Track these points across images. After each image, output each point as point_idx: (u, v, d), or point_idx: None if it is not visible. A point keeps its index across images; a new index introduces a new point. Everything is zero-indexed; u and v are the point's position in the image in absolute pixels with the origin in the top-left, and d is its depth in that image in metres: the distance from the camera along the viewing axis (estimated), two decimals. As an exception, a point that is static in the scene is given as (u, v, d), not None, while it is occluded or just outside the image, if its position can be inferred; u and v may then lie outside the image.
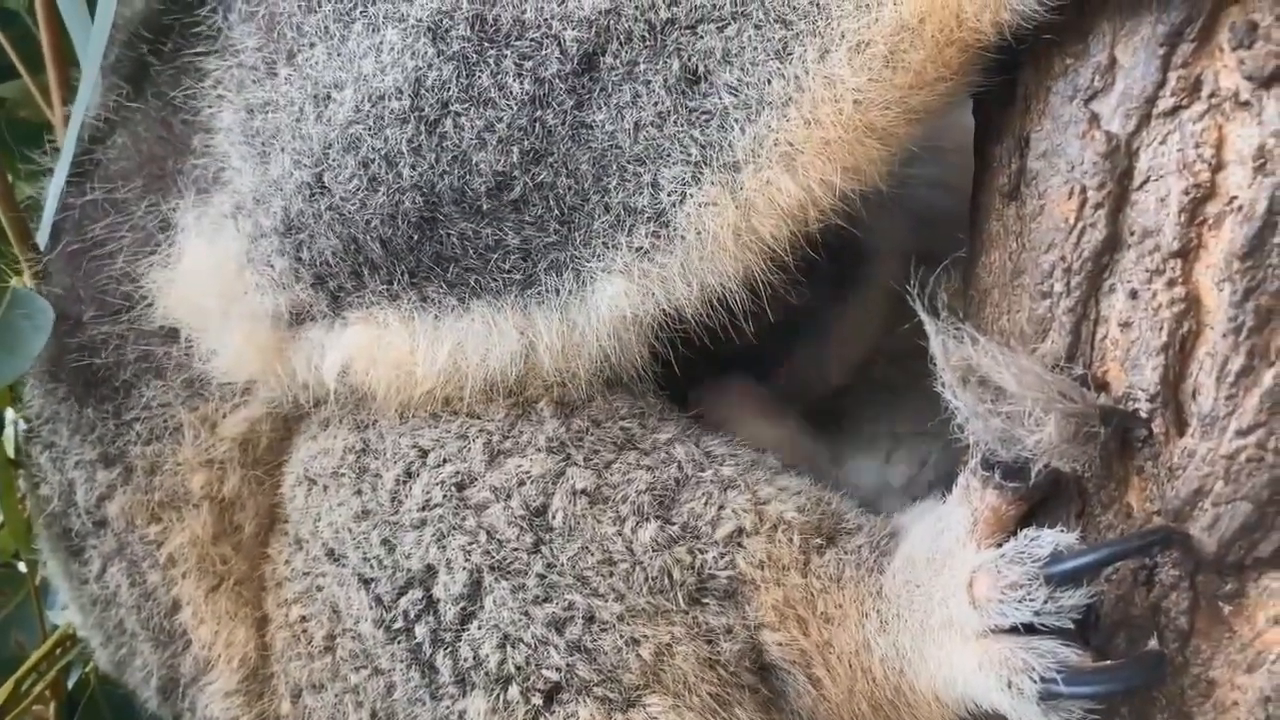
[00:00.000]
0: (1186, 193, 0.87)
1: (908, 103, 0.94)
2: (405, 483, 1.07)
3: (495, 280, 0.99)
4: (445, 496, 1.06)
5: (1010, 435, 0.88)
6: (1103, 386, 0.95)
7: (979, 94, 1.06)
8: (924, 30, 0.91)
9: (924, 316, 0.88)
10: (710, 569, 1.03)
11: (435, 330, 1.01)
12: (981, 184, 1.11)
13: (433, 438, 1.08)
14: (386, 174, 0.98)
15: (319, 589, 1.12)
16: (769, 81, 0.94)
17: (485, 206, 0.98)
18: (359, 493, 1.10)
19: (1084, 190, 0.94)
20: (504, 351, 1.00)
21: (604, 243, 0.97)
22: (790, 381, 1.28)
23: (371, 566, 1.08)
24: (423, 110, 0.97)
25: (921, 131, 0.98)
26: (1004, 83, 1.04)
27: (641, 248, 0.96)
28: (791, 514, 1.06)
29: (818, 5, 0.92)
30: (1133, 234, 0.93)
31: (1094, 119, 0.94)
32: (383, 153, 0.98)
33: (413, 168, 0.98)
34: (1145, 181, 0.92)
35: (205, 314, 1.10)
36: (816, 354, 1.29)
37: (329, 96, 1.02)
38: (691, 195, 0.95)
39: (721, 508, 1.05)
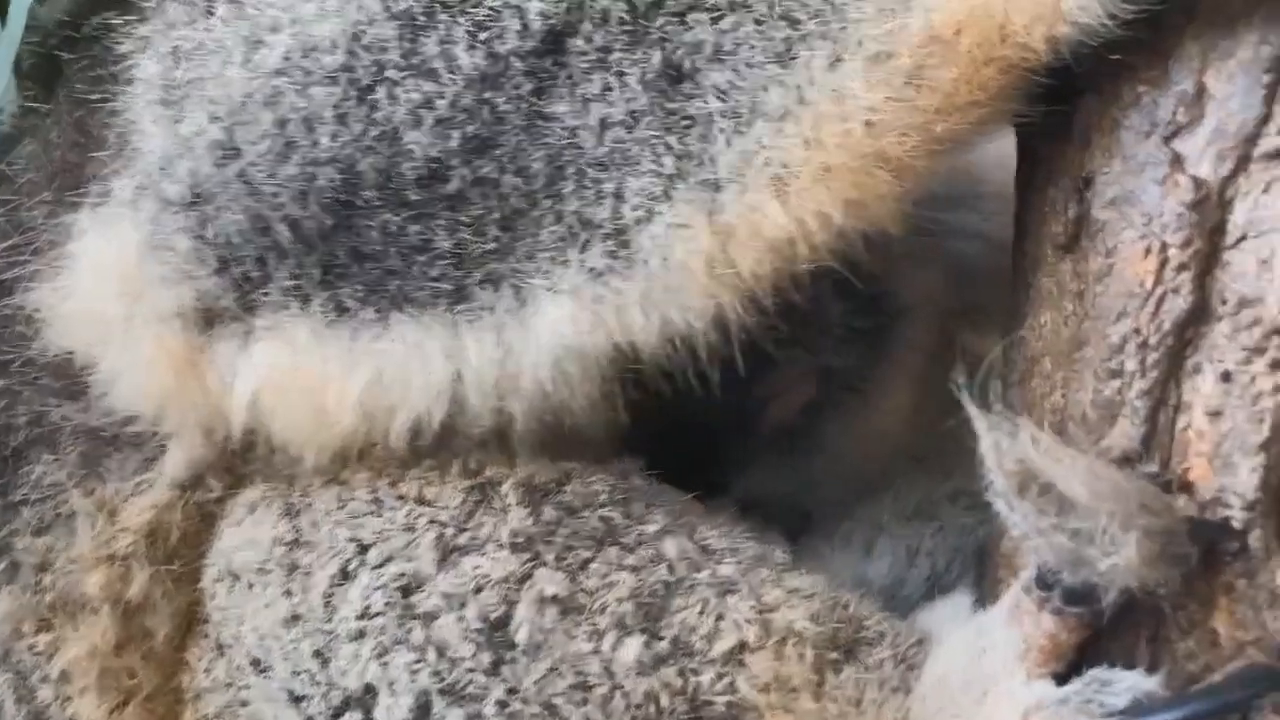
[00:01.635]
0: (1295, 254, 0.72)
1: (931, 130, 0.81)
2: (341, 585, 0.92)
3: (421, 289, 0.86)
4: (388, 603, 0.90)
5: (1079, 556, 0.71)
6: (1184, 488, 0.79)
7: (1023, 125, 0.89)
8: (959, 44, 0.79)
9: (971, 408, 0.71)
10: (706, 694, 0.87)
11: (350, 351, 0.88)
12: (1028, 231, 0.94)
13: (375, 529, 0.93)
14: (304, 139, 0.87)
15: (243, 704, 0.97)
16: (765, 89, 0.82)
17: (414, 197, 0.86)
18: (288, 594, 0.94)
19: (1165, 248, 0.78)
20: (428, 382, 0.87)
21: (552, 257, 0.85)
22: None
23: (302, 682, 0.93)
24: (355, 71, 0.86)
25: (945, 166, 0.86)
26: (1052, 113, 0.87)
27: (595, 268, 0.84)
28: (803, 623, 0.90)
29: (832, 4, 0.81)
30: (1225, 303, 0.77)
31: (1177, 161, 0.78)
32: (303, 114, 0.87)
33: (333, 137, 0.86)
34: (1242, 239, 0.77)
35: (104, 326, 0.94)
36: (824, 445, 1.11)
37: (262, 41, 0.90)
38: (660, 213, 0.83)
39: (720, 617, 0.89)
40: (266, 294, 0.91)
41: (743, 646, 0.88)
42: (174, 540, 0.99)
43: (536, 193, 0.85)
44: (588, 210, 0.85)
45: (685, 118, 0.83)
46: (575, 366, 0.87)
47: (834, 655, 0.90)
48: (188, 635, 1.01)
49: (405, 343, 0.87)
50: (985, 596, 1.00)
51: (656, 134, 0.83)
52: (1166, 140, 0.79)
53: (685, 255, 0.83)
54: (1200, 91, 0.78)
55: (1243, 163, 0.76)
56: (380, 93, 0.86)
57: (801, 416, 1.11)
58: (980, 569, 1.03)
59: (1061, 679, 0.83)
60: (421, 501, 0.92)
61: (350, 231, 0.87)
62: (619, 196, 0.84)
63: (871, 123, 0.80)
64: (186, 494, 0.99)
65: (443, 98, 0.85)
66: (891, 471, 1.10)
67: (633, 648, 0.88)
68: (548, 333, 0.86)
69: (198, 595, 1.00)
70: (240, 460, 0.98)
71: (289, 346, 0.91)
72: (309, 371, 0.90)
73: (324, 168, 0.87)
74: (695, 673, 0.88)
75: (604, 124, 0.84)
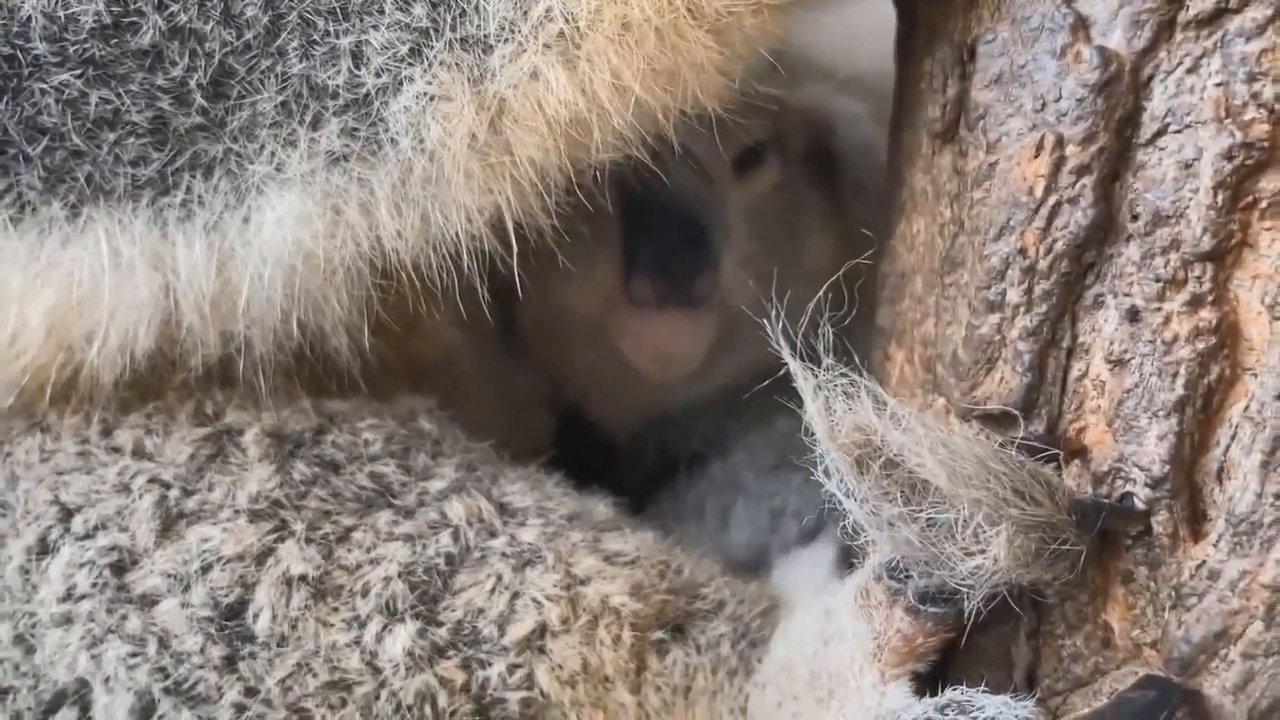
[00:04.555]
0: (1229, 155, 0.58)
1: None
2: (41, 558, 0.76)
3: (116, 176, 0.73)
4: (97, 583, 0.75)
5: (934, 555, 0.54)
6: (1076, 454, 0.62)
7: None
8: None
9: (792, 362, 0.53)
10: (495, 690, 0.74)
11: (34, 260, 0.74)
12: (904, 115, 0.75)
13: (81, 490, 0.77)
14: None
15: None
16: None
17: (96, 53, 0.72)
18: None
19: (1060, 143, 0.62)
20: (131, 298, 0.74)
21: (274, 134, 0.72)
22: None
23: (5, 671, 0.78)
24: None
25: (785, 29, 0.72)
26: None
27: (331, 151, 0.72)
28: (620, 598, 0.77)
29: None
30: (1136, 218, 0.62)
31: (1080, 25, 0.61)
32: None
33: None
34: (1160, 133, 0.61)
35: None
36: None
37: None
38: (411, 80, 0.71)
39: (516, 596, 0.76)
40: None
41: (543, 630, 0.76)
42: None
43: (251, 47, 0.72)
44: (317, 73, 0.71)
45: None
46: (314, 278, 0.73)
47: (658, 635, 0.78)
48: None
49: (100, 247, 0.73)
50: (854, 553, 0.84)
51: None
52: None
53: (445, 136, 0.70)
54: (1114, -67, 0.59)
55: (1165, 30, 0.60)
56: None
57: (777, 199, 0.95)
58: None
59: (921, 679, 0.67)
60: (140, 454, 0.77)
61: (20, 97, 0.73)
62: (357, 56, 0.71)
63: None
64: None
65: None
66: (754, 407, 0.92)
67: (403, 637, 0.74)
68: (274, 234, 0.72)
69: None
70: None
71: None
72: None
73: None
74: (483, 665, 0.75)
75: None
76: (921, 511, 0.56)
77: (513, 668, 0.74)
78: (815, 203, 0.98)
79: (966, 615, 0.61)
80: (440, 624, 0.74)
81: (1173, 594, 0.61)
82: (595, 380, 0.99)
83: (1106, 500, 0.59)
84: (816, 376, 0.57)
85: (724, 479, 0.96)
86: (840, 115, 0.96)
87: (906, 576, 0.63)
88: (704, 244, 0.91)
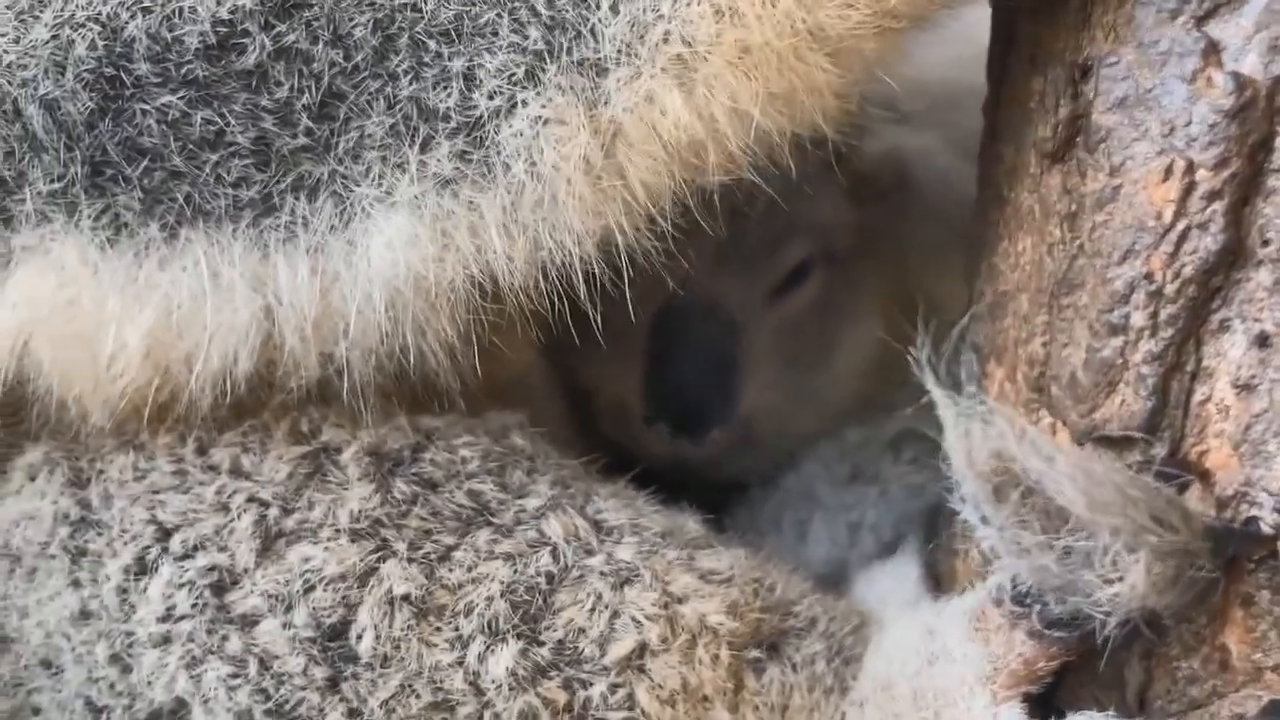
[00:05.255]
0: (1369, 183, 0.54)
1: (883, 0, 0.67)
2: (139, 578, 0.76)
3: (216, 198, 0.72)
4: (197, 603, 0.75)
5: (1071, 582, 0.53)
6: (1200, 476, 0.62)
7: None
8: None
9: (936, 391, 0.53)
10: (596, 711, 0.74)
11: (132, 282, 0.73)
12: (1003, 131, 0.75)
13: (179, 509, 0.76)
14: None
15: (35, 710, 0.82)
16: None
17: (200, 74, 0.71)
18: (76, 584, 0.77)
19: (1191, 168, 0.61)
20: (231, 321, 0.72)
21: (383, 158, 0.71)
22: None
23: (100, 690, 0.78)
24: None
25: (901, 52, 0.71)
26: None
27: (441, 175, 0.70)
28: (718, 617, 0.76)
29: None
30: (1267, 244, 0.61)
31: (1212, 51, 0.60)
32: None
33: None
34: None
35: None
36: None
37: None
38: (525, 103, 0.69)
39: (615, 615, 0.75)
40: (21, 201, 0.74)
41: (643, 650, 0.75)
42: None
43: (361, 70, 0.70)
44: (429, 96, 0.70)
45: None
46: (420, 301, 0.72)
47: (754, 654, 0.77)
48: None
49: (200, 269, 0.72)
50: (937, 566, 0.84)
51: None
52: (1199, 22, 0.62)
53: (559, 160, 0.69)
54: (1248, -44, 0.59)
55: None
56: None
57: (811, 317, 0.95)
58: (930, 529, 0.86)
59: (1033, 701, 0.67)
60: (238, 473, 0.76)
61: (121, 119, 0.72)
62: (470, 78, 0.69)
63: None
64: None
65: None
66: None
67: (505, 657, 0.74)
68: (381, 258, 0.71)
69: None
70: (14, 415, 0.78)
71: (56, 273, 0.74)
72: (82, 308, 0.73)
73: (82, 32, 0.71)
74: (584, 684, 0.74)
75: None
76: (1060, 539, 0.56)
77: (614, 687, 0.74)
78: (852, 303, 0.98)
79: (1097, 640, 0.61)
80: (542, 644, 0.74)
81: (1300, 619, 0.61)
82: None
83: (1239, 526, 0.59)
84: (957, 405, 0.56)
85: (799, 491, 0.96)
86: (913, 151, 0.96)
87: (1032, 601, 0.63)
88: (727, 387, 0.92)
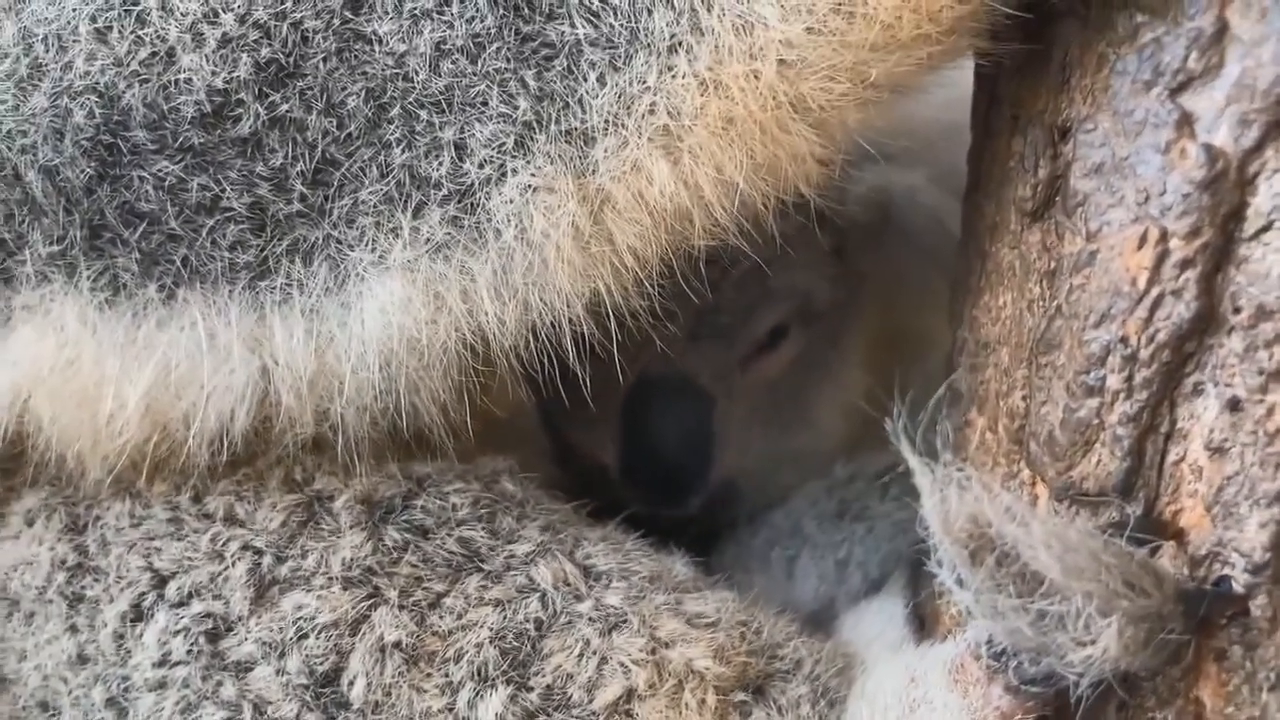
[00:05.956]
0: (1337, 255, 0.55)
1: (864, 73, 0.67)
2: (135, 624, 0.77)
3: (213, 260, 0.73)
4: (191, 650, 0.76)
5: (1045, 644, 0.55)
6: (1174, 536, 0.63)
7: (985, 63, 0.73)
8: None
9: (910, 457, 0.54)
10: None
11: (130, 343, 0.74)
12: (985, 185, 0.77)
13: (174, 557, 0.77)
14: (53, 62, 0.71)
15: None
16: (649, 10, 0.68)
17: (196, 141, 0.72)
18: (74, 629, 0.79)
19: (1165, 236, 0.62)
20: (228, 382, 0.73)
21: (376, 222, 0.71)
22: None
23: None
24: None
25: (883, 120, 0.72)
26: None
27: (433, 240, 0.71)
28: (704, 662, 0.77)
29: None
30: (1239, 311, 0.62)
31: (1186, 123, 0.61)
32: (54, 28, 0.71)
33: (90, 58, 0.71)
34: (1265, 229, 0.61)
35: None
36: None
37: None
38: (514, 171, 0.70)
39: (603, 661, 0.76)
40: (22, 262, 0.74)
41: (631, 695, 0.76)
42: None
43: (354, 138, 0.70)
44: (421, 164, 0.70)
45: (545, 45, 0.68)
46: (414, 361, 0.73)
47: (741, 697, 0.78)
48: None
49: (197, 330, 0.73)
50: (921, 605, 0.85)
51: (507, 65, 0.68)
52: (1173, 94, 0.62)
53: (547, 227, 0.70)
54: (1221, 30, 0.61)
55: (1273, 130, 0.59)
56: (150, 3, 0.70)
57: (788, 377, 0.96)
58: (917, 566, 0.87)
59: (1011, 751, 0.68)
60: (232, 521, 0.77)
61: (119, 184, 0.72)
62: (461, 147, 0.70)
63: (787, 61, 0.66)
64: None
65: (230, 9, 0.69)
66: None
67: (495, 703, 0.75)
68: (375, 320, 0.72)
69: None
70: (14, 464, 0.79)
71: (55, 334, 0.74)
72: (82, 367, 0.74)
73: (81, 99, 0.71)
74: None
75: (439, 49, 0.69)
76: (1034, 603, 0.58)
77: (602, 732, 0.75)
78: (832, 359, 0.99)
79: (1071, 699, 0.62)
80: (531, 689, 0.74)
81: (1272, 676, 0.62)
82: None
83: (1210, 588, 0.60)
84: (933, 471, 0.58)
85: (787, 528, 0.97)
86: (899, 189, 0.97)
87: (1008, 658, 0.64)
88: (701, 457, 0.93)
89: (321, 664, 0.74)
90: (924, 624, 0.85)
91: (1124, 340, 0.63)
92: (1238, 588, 0.61)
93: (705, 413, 0.93)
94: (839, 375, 0.97)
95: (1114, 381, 0.64)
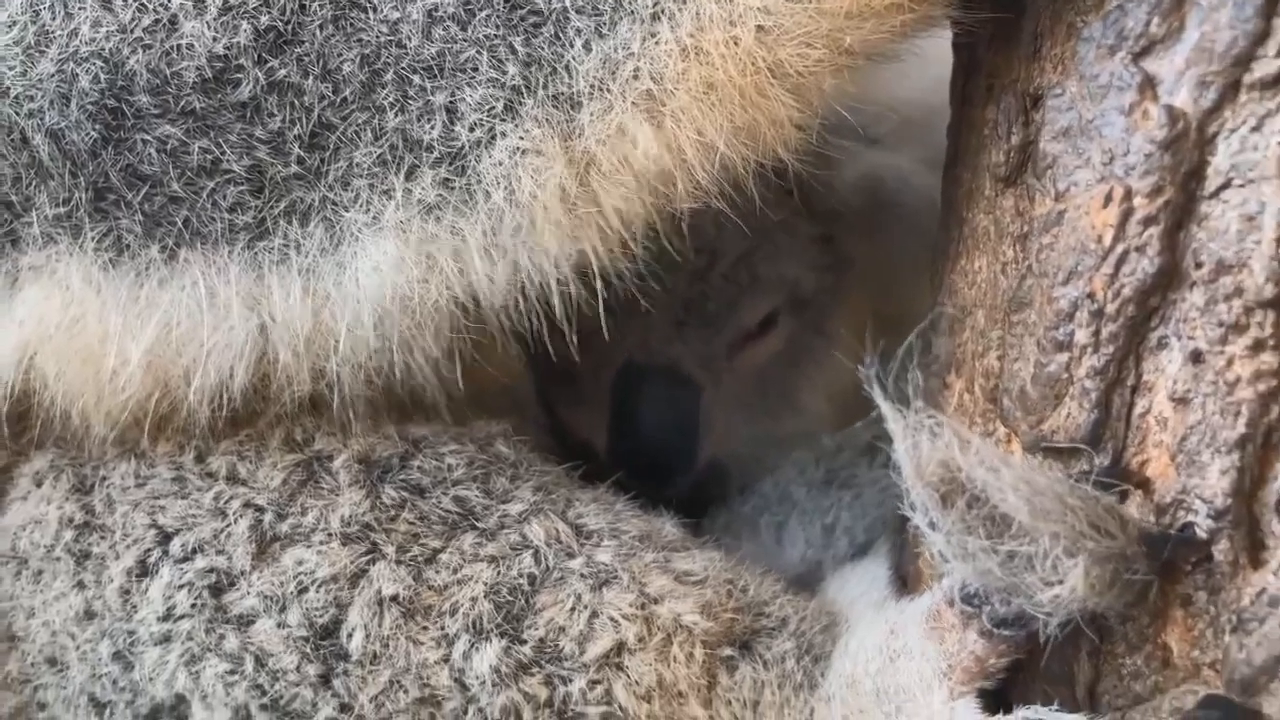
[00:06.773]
0: (1292, 210, 0.58)
1: (839, 39, 0.69)
2: (140, 579, 0.79)
3: (213, 221, 0.75)
4: (195, 604, 0.78)
5: (1014, 584, 0.57)
6: (1140, 485, 0.65)
7: (961, 33, 0.75)
8: None
9: (884, 404, 0.57)
10: (576, 705, 0.77)
11: (133, 300, 0.76)
12: (963, 155, 0.79)
13: (178, 514, 0.79)
14: (59, 28, 0.73)
15: (41, 706, 0.85)
16: None
17: (197, 105, 0.74)
18: (80, 585, 0.81)
19: (1129, 195, 0.64)
20: (228, 338, 0.75)
21: (370, 185, 0.73)
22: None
23: (104, 686, 0.81)
24: None
25: (858, 86, 0.73)
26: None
27: (426, 201, 0.73)
28: (692, 617, 0.79)
29: None
30: (1200, 267, 0.64)
31: (1148, 85, 0.64)
32: None
33: (95, 25, 0.73)
34: (1224, 187, 0.63)
35: None
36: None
37: None
38: (504, 135, 0.72)
39: (594, 615, 0.78)
40: (29, 224, 0.76)
41: (620, 648, 0.78)
42: None
43: (349, 102, 0.72)
44: (413, 128, 0.72)
45: (532, 13, 0.70)
46: (407, 320, 0.75)
47: (728, 652, 0.80)
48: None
49: (198, 289, 0.75)
50: (904, 566, 0.87)
51: (497, 32, 0.70)
52: (1135, 58, 0.64)
53: (536, 188, 0.72)
54: (1181, -2, 0.62)
55: (1230, 91, 0.61)
56: None
57: (775, 364, 0.99)
58: (901, 533, 0.90)
59: (988, 696, 0.71)
60: (234, 480, 0.79)
61: (123, 147, 0.74)
62: (452, 111, 0.72)
63: (765, 28, 0.68)
64: None
65: None
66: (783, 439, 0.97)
67: (489, 655, 0.77)
68: (369, 279, 0.74)
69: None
70: (21, 423, 0.82)
71: (61, 293, 0.76)
72: (86, 325, 0.76)
73: (85, 65, 0.73)
74: (564, 681, 0.77)
75: (431, 16, 0.71)
76: (1003, 544, 0.60)
77: (592, 684, 0.76)
78: (820, 344, 1.01)
79: (1041, 639, 0.64)
80: (524, 642, 0.77)
81: (1234, 619, 0.64)
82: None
83: (1173, 531, 0.63)
84: (905, 418, 0.60)
85: (776, 494, 0.99)
86: (887, 172, 1.00)
87: (980, 602, 0.67)
88: (687, 442, 0.96)
89: (321, 616, 0.76)
90: (906, 583, 0.87)
91: (1091, 296, 0.66)
92: (1200, 533, 0.64)
93: (692, 400, 0.95)
94: (825, 361, 0.99)
95: (1082, 336, 0.66)
